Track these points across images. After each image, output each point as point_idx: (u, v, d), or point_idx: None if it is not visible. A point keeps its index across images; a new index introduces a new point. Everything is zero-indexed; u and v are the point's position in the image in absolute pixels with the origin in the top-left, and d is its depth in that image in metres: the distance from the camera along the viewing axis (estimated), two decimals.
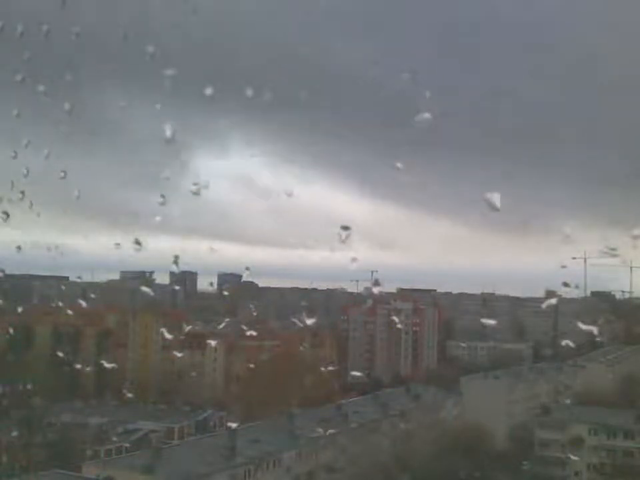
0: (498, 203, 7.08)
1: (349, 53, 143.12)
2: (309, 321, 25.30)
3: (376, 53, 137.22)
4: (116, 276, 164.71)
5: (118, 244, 17.60)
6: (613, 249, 8.08)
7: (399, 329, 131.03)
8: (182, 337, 77.79)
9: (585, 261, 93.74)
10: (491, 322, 75.76)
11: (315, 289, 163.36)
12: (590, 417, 69.29)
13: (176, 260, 12.64)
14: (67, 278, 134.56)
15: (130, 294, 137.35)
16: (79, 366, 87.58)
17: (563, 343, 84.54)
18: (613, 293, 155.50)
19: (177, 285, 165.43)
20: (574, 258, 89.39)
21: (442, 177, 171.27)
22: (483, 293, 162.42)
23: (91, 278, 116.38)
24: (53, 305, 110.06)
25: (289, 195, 13.00)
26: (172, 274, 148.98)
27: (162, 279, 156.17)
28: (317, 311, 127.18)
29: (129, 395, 76.10)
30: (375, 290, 11.52)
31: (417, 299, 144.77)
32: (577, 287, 8.78)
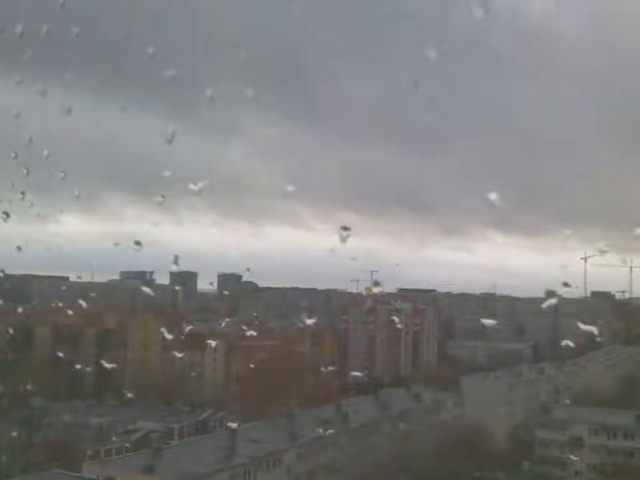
0: (498, 203, 7.09)
1: None
2: (309, 321, 25.30)
3: None
4: (116, 276, 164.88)
5: (118, 244, 17.64)
6: (613, 249, 8.10)
7: (399, 329, 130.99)
8: (182, 337, 77.79)
9: (585, 261, 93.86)
10: (491, 322, 75.60)
11: (314, 289, 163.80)
12: (590, 417, 69.18)
13: (176, 260, 12.67)
14: (67, 278, 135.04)
15: (130, 294, 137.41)
16: (79, 366, 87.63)
17: (563, 343, 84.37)
18: (612, 293, 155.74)
19: (177, 285, 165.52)
20: (582, 258, 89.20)
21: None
22: (482, 293, 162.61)
23: (91, 278, 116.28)
24: (53, 305, 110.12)
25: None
26: (172, 274, 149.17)
27: (162, 279, 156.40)
28: (317, 310, 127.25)
29: (129, 395, 76.12)
30: (375, 290, 11.55)
31: (417, 299, 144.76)
32: (577, 287, 8.84)
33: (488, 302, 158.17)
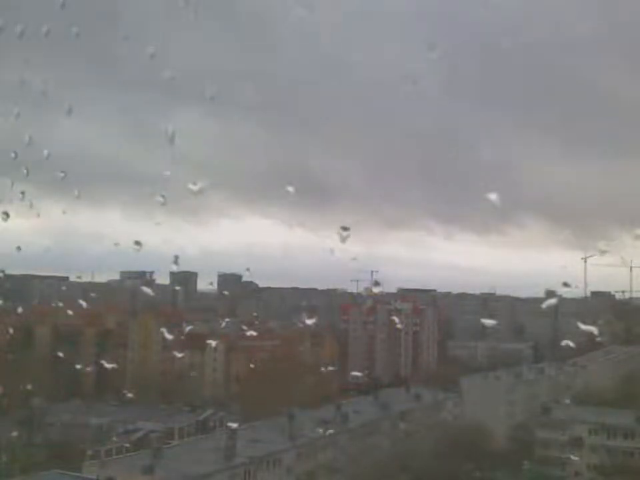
0: (498, 202, 7.10)
1: None
2: (309, 321, 25.30)
3: None
4: (116, 276, 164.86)
5: (118, 244, 17.66)
6: (613, 249, 8.12)
7: (399, 329, 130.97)
8: (182, 337, 77.90)
9: (585, 261, 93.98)
10: (491, 322, 75.61)
11: (314, 289, 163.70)
12: (590, 417, 69.19)
13: (176, 260, 12.68)
14: (67, 278, 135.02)
15: (130, 294, 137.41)
16: (79, 366, 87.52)
17: (563, 343, 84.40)
18: (612, 293, 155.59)
19: (177, 285, 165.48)
20: (583, 258, 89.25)
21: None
22: (482, 293, 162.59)
23: (91, 278, 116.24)
24: (53, 304, 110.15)
25: None
26: (172, 274, 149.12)
27: (162, 279, 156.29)
28: (317, 311, 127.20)
29: (129, 395, 76.09)
30: (375, 290, 11.58)
31: (417, 299, 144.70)
32: (577, 287, 8.88)
33: (488, 302, 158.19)
